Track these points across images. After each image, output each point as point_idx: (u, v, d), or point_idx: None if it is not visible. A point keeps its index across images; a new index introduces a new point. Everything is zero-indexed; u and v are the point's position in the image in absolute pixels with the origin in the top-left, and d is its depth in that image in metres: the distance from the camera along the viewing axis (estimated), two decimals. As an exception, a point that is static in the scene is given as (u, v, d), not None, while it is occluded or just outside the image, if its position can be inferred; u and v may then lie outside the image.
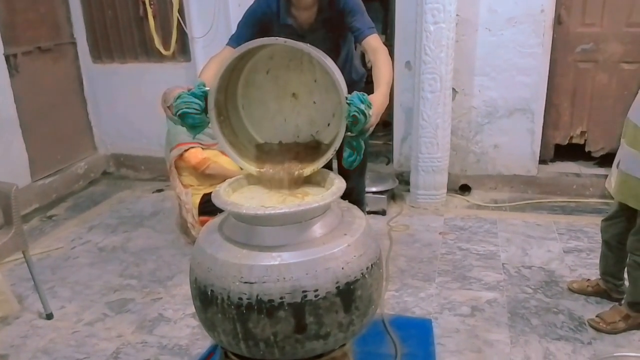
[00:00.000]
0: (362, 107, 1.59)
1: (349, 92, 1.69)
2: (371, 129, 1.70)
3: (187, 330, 2.57)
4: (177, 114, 1.69)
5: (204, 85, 1.72)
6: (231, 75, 1.75)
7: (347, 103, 1.60)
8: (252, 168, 1.83)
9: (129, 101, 4.63)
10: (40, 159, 4.19)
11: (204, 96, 1.71)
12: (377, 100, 1.77)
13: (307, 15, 2.27)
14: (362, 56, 3.67)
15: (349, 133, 1.65)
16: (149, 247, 3.47)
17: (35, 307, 2.78)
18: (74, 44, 4.58)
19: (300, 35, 2.21)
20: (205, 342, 2.45)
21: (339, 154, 1.77)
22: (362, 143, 1.71)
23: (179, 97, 1.69)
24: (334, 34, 2.32)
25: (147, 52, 4.48)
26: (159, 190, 4.48)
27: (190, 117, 1.69)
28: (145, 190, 4.53)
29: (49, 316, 2.71)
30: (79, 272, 3.19)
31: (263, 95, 1.88)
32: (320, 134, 1.89)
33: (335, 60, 1.81)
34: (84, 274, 3.16)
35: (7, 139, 3.88)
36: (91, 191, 4.60)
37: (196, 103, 1.69)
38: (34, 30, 4.16)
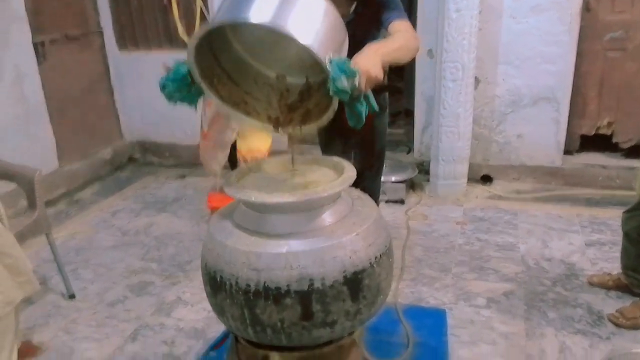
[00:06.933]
0: (342, 83, 1.40)
1: None
2: (368, 88, 1.51)
3: (204, 313, 2.63)
4: (176, 104, 1.68)
5: (182, 63, 1.61)
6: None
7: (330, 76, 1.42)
8: (259, 124, 1.75)
9: (154, 89, 4.55)
10: (68, 144, 4.29)
11: (188, 73, 1.61)
12: (361, 58, 1.52)
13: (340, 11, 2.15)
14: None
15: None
16: (171, 232, 3.54)
17: (58, 288, 2.88)
18: (101, 32, 4.65)
19: None
20: (220, 326, 2.48)
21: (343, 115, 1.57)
22: (364, 106, 1.51)
23: (163, 87, 1.64)
24: (364, 31, 2.13)
25: (171, 40, 4.52)
26: (182, 177, 4.56)
27: (186, 99, 1.67)
28: (169, 176, 4.61)
29: (72, 297, 2.81)
30: (102, 254, 3.28)
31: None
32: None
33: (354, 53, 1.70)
34: (107, 257, 3.25)
35: (36, 125, 3.99)
36: (116, 177, 4.70)
37: (183, 86, 1.63)
38: (61, 18, 4.24)
